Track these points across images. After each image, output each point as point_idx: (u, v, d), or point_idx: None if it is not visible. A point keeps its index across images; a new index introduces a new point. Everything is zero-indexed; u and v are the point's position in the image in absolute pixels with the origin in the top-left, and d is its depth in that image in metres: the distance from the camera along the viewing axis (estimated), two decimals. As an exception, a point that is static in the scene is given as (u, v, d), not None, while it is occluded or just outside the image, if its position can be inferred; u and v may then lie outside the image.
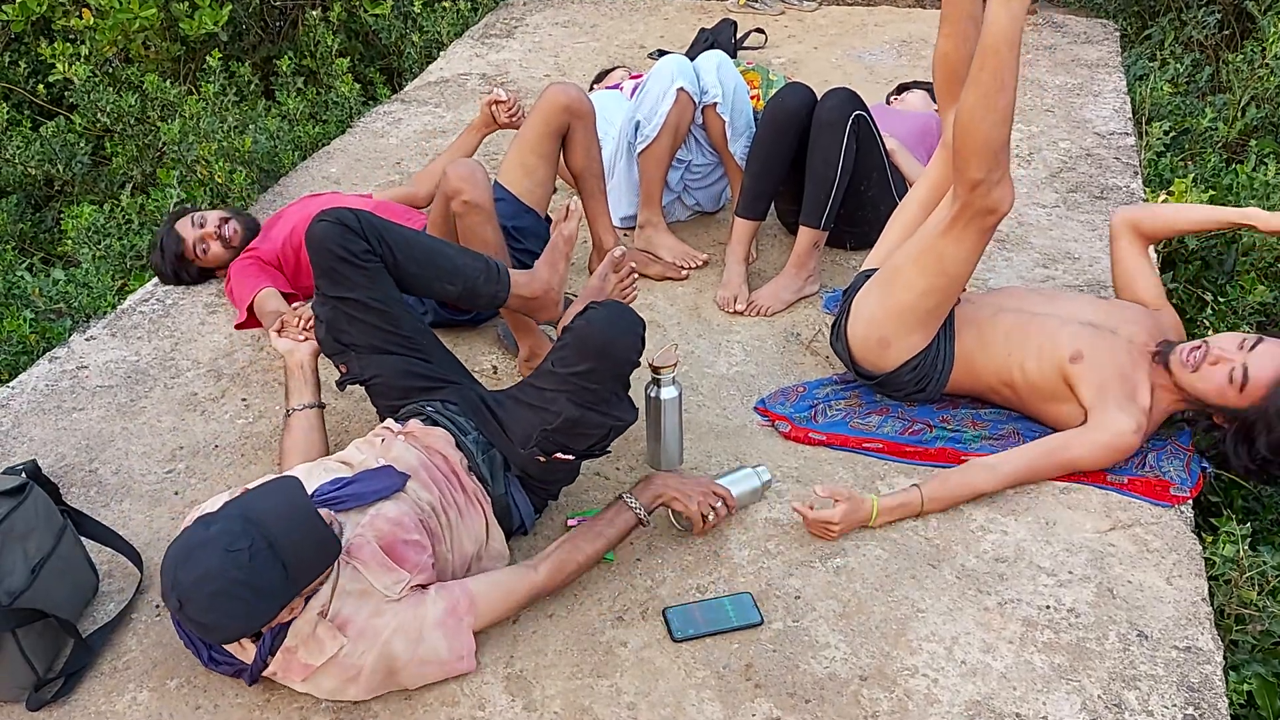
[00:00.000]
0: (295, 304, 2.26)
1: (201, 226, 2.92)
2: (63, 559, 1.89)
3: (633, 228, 3.19)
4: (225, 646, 1.74)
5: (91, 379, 2.65)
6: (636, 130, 2.99)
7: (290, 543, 1.57)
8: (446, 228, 2.52)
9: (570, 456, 2.00)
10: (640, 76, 3.60)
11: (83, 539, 2.01)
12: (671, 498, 2.03)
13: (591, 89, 3.70)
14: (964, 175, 2.05)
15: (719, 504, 2.07)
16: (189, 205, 3.53)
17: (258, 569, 1.53)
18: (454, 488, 1.93)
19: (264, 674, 1.74)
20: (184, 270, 2.98)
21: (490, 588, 1.84)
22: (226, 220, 2.92)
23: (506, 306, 2.30)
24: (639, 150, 2.99)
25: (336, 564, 1.70)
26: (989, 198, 2.05)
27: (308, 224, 2.75)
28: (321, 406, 2.15)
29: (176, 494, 2.27)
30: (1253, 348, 2.09)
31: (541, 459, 1.99)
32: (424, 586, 1.78)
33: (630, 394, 2.02)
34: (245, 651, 1.72)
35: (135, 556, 2.05)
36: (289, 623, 1.66)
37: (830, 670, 1.83)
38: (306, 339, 2.19)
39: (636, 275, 2.40)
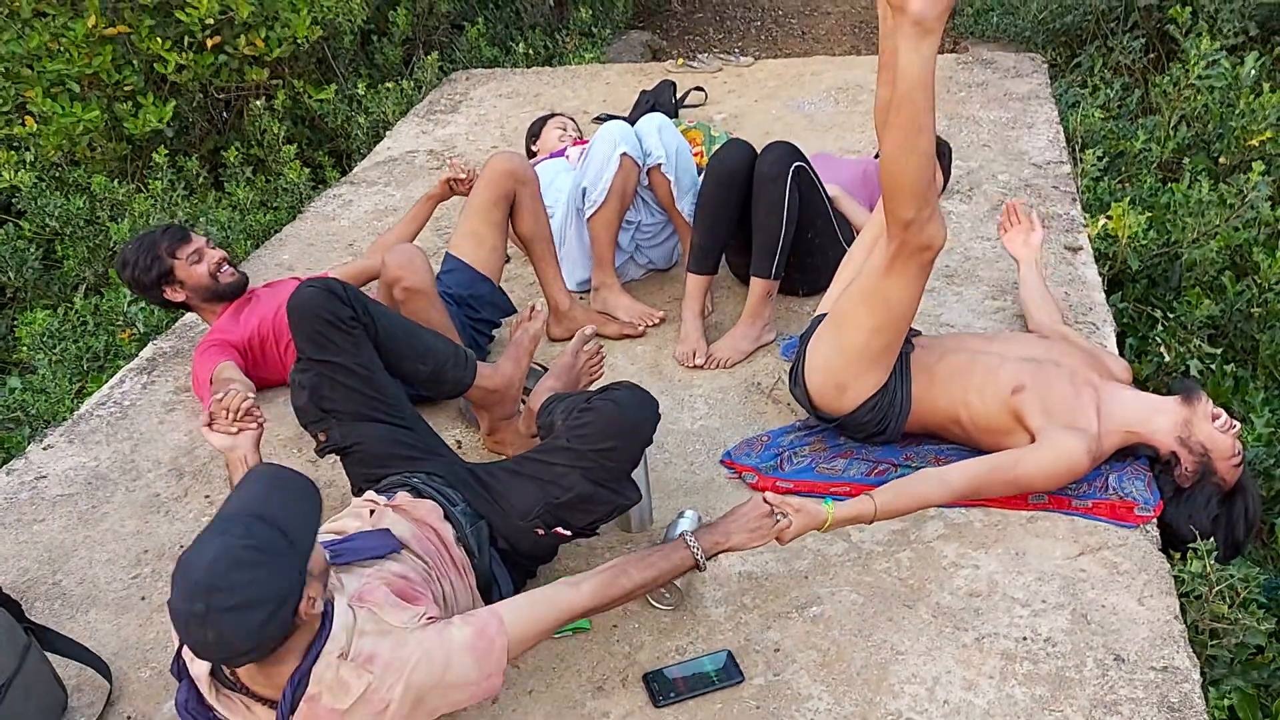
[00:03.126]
0: (217, 394, 2.09)
1: (211, 248, 2.84)
2: (28, 678, 1.85)
3: (588, 291, 3.22)
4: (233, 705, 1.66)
5: (51, 489, 2.62)
6: (584, 196, 3.03)
7: (271, 506, 1.54)
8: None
9: (568, 532, 2.01)
10: (584, 142, 3.64)
11: (49, 655, 1.97)
12: (735, 546, 1.93)
13: (531, 152, 3.74)
14: (896, 216, 2.10)
15: (781, 521, 1.95)
16: (142, 300, 3.51)
17: (257, 533, 1.50)
18: (445, 561, 1.92)
19: None
20: (157, 262, 2.74)
21: (523, 608, 1.76)
22: (227, 261, 2.86)
23: (467, 395, 2.33)
24: (588, 216, 3.03)
25: (351, 609, 1.66)
26: (922, 235, 2.10)
27: (277, 313, 2.75)
28: None
29: (143, 599, 2.24)
30: None
31: (540, 532, 1.99)
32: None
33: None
34: (260, 718, 1.65)
35: (104, 668, 2.01)
36: (309, 670, 1.60)
37: (814, 722, 1.83)
38: (240, 430, 2.06)
39: (604, 355, 2.44)
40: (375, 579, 1.73)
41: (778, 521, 1.94)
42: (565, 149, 3.56)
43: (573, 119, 3.82)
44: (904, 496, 2.11)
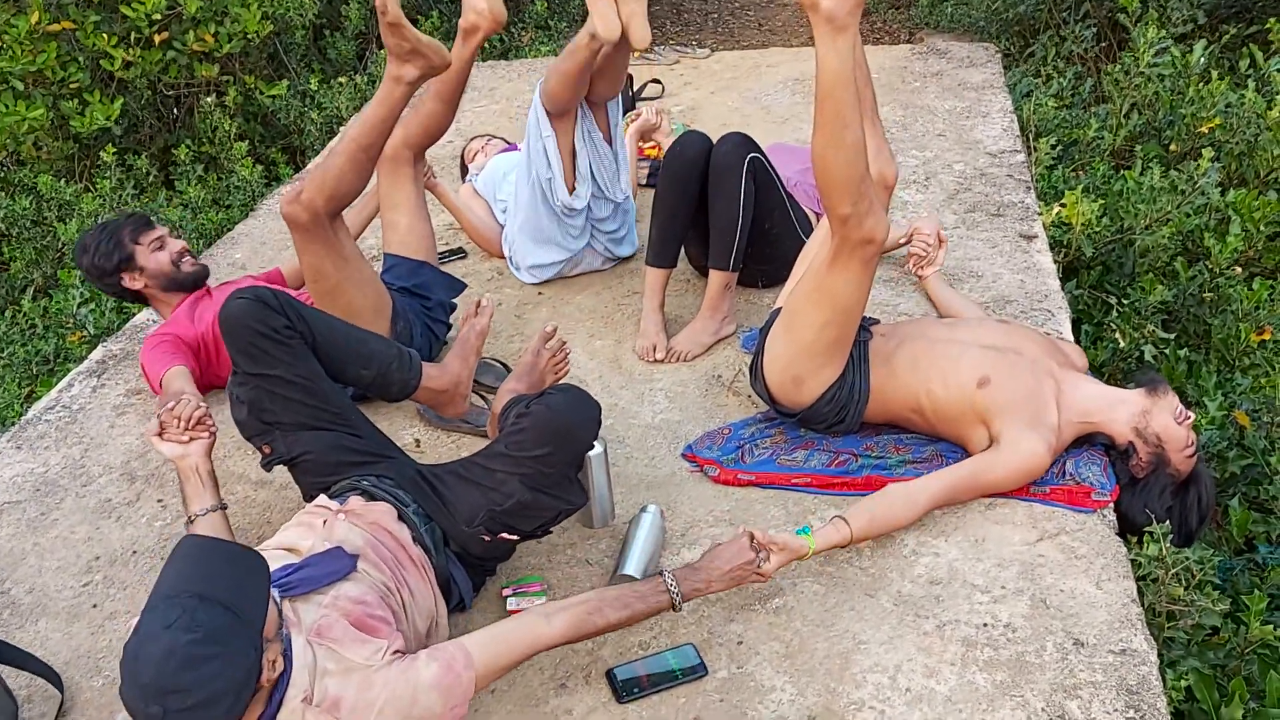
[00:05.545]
0: (168, 402, 2.08)
1: (173, 237, 2.80)
2: (-25, 690, 1.81)
3: (549, 280, 3.20)
4: None
5: (-2, 496, 2.57)
6: (536, 125, 2.93)
7: (215, 584, 1.47)
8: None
9: (515, 537, 1.98)
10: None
11: (-3, 666, 1.93)
12: (714, 590, 1.94)
13: (465, 170, 3.72)
14: (834, 212, 2.10)
15: (760, 559, 1.96)
16: (92, 302, 3.45)
17: (203, 621, 1.43)
18: (403, 565, 1.88)
19: None
20: (118, 248, 2.71)
21: (491, 641, 1.74)
22: (188, 252, 2.82)
23: (414, 397, 2.28)
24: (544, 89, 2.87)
25: (310, 647, 1.62)
26: (861, 229, 2.10)
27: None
28: (224, 507, 2.06)
29: (94, 606, 2.19)
30: None
31: (486, 538, 1.96)
32: (405, 653, 1.70)
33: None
34: None
35: (54, 678, 1.97)
36: (274, 719, 1.56)
37: (778, 713, 1.82)
38: (192, 439, 2.05)
39: (568, 352, 2.42)
40: (333, 610, 1.68)
41: (761, 563, 1.94)
42: (516, 145, 3.55)
43: (491, 135, 3.80)
44: (878, 521, 2.12)
